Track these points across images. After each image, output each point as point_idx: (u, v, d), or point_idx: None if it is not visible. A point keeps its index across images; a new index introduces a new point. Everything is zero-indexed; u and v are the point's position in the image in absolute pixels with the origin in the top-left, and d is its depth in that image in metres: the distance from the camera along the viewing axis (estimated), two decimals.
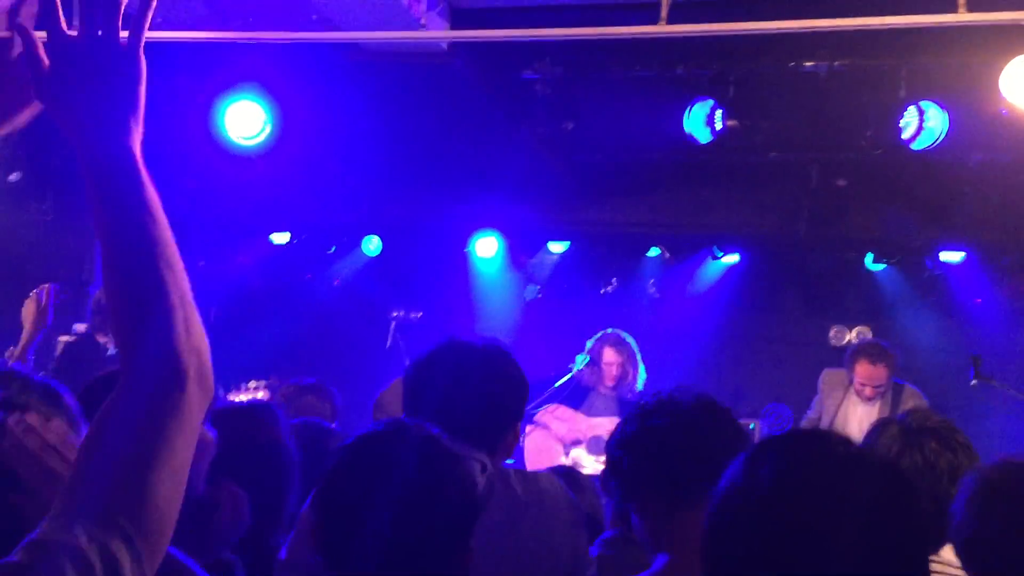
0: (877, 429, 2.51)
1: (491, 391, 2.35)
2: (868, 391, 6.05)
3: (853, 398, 6.20)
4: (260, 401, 2.73)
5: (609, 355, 6.47)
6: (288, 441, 2.66)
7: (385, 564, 1.62)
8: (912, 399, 6.02)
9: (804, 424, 6.47)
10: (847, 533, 1.17)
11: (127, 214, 1.29)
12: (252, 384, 7.23)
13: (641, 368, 6.48)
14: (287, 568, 2.24)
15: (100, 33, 1.29)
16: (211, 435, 2.28)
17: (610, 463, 2.16)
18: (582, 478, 3.87)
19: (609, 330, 6.61)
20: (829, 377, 6.47)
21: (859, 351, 6.20)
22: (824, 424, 6.14)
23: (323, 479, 1.72)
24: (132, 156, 1.30)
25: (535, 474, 2.49)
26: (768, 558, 1.19)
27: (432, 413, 2.33)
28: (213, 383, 1.30)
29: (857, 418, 6.10)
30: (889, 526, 1.19)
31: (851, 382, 6.16)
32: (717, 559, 1.26)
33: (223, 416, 2.57)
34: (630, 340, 6.54)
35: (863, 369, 6.05)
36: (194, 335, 1.25)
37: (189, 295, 1.29)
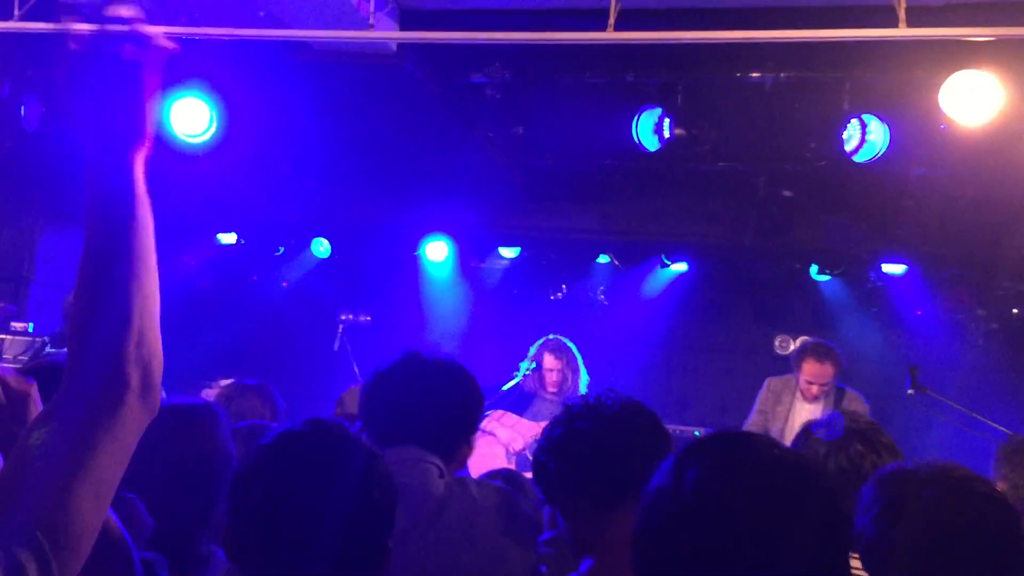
0: (805, 432, 2.54)
1: (448, 404, 2.40)
2: (814, 389, 6.13)
3: (799, 401, 6.27)
4: (201, 401, 2.69)
5: (549, 361, 6.48)
6: (226, 444, 2.61)
7: (300, 563, 1.58)
8: (854, 403, 6.11)
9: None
10: (769, 535, 1.19)
11: (109, 222, 1.28)
12: (223, 383, 7.14)
13: (583, 373, 6.50)
14: None
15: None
16: None
17: (536, 466, 2.16)
18: (523, 480, 3.86)
19: (551, 336, 6.62)
20: (774, 384, 6.52)
21: (805, 350, 6.27)
22: (775, 430, 6.21)
23: (237, 477, 1.68)
24: (129, 171, 1.30)
25: (488, 482, 2.51)
26: (694, 560, 1.20)
27: (389, 422, 2.35)
28: (159, 399, 1.28)
29: (802, 421, 6.16)
30: (808, 528, 1.21)
31: (797, 383, 6.22)
32: (646, 561, 1.27)
33: (161, 413, 2.53)
34: (571, 346, 6.56)
35: (810, 367, 6.12)
36: (144, 349, 1.24)
37: (153, 312, 1.28)
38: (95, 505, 1.14)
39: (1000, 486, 3.45)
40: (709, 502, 1.21)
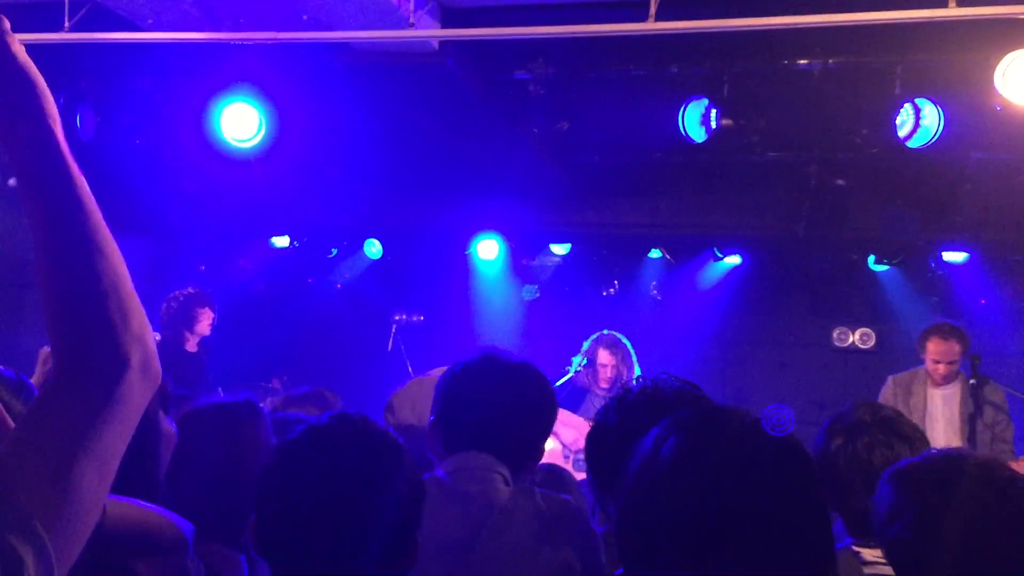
0: (829, 423, 2.49)
1: (524, 409, 2.37)
2: (941, 368, 5.99)
3: (931, 388, 6.13)
4: (243, 398, 2.71)
5: (604, 357, 6.45)
6: (268, 440, 2.64)
7: (323, 557, 1.58)
8: (993, 394, 5.98)
9: None
10: (742, 510, 1.17)
11: (54, 201, 1.26)
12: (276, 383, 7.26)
13: (636, 369, 6.45)
14: None
15: None
16: (171, 428, 2.27)
17: (590, 454, 2.12)
18: (567, 476, 3.83)
19: (604, 331, 6.59)
20: (900, 379, 6.30)
21: (929, 330, 6.12)
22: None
23: (264, 471, 1.68)
24: (56, 145, 1.28)
25: (554, 495, 2.45)
26: (670, 534, 1.19)
27: (465, 424, 2.32)
28: (159, 371, 1.27)
29: (939, 407, 6.09)
30: (783, 502, 1.19)
31: (925, 364, 6.09)
32: (627, 534, 1.26)
33: (203, 412, 2.56)
34: (625, 341, 6.51)
35: (934, 346, 6.00)
36: (133, 323, 1.22)
37: (126, 282, 1.25)
38: (98, 484, 1.13)
39: None
40: (682, 476, 1.20)
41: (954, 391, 6.07)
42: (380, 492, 1.63)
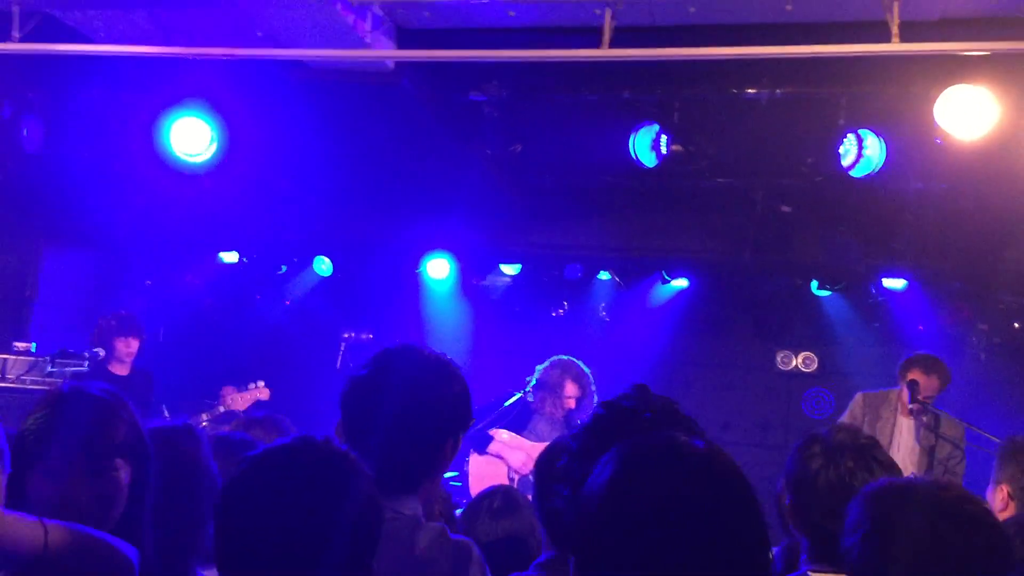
0: (802, 444, 2.52)
1: (432, 399, 2.29)
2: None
3: (902, 416, 6.13)
4: (180, 423, 2.67)
5: (571, 389, 6.45)
6: (208, 463, 2.61)
7: (282, 573, 1.59)
8: (951, 428, 5.99)
9: None
10: (676, 534, 1.21)
11: None
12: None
13: (595, 399, 6.49)
14: None
15: None
16: None
17: (565, 474, 2.09)
18: (520, 498, 3.85)
19: (565, 357, 6.57)
20: (869, 399, 6.30)
21: (913, 361, 6.11)
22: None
23: (224, 490, 1.69)
24: None
25: (455, 539, 2.34)
26: (609, 560, 1.23)
27: (371, 421, 2.23)
28: None
29: (907, 437, 6.11)
30: (718, 531, 1.22)
31: (903, 395, 6.05)
32: (580, 557, 1.30)
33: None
34: (587, 371, 6.54)
35: (916, 378, 5.97)
36: None
37: None
38: None
39: (1004, 489, 3.42)
40: (618, 500, 1.25)
41: (920, 422, 6.04)
42: (339, 514, 1.63)
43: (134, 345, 6.57)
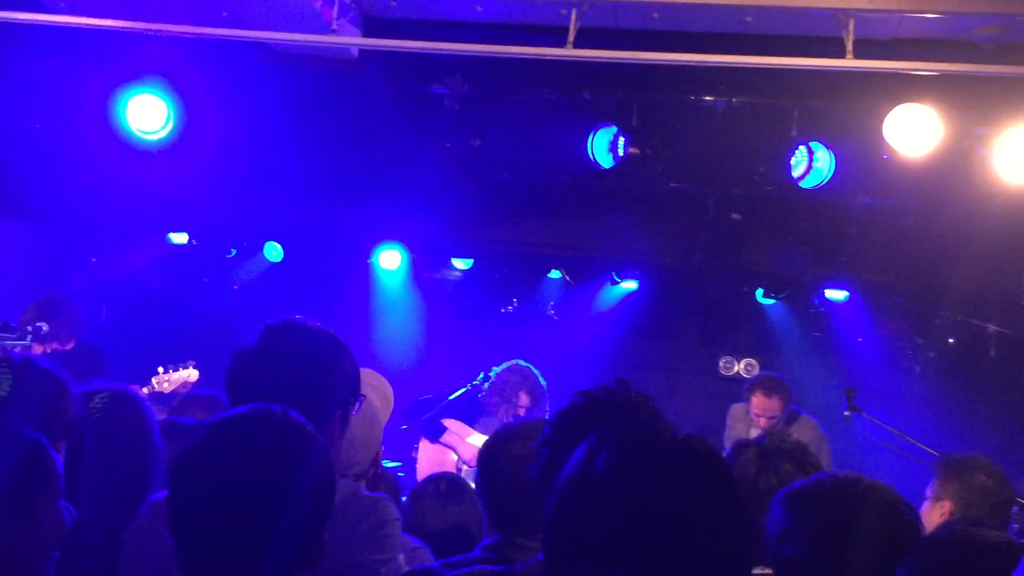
0: (735, 450, 2.60)
1: (317, 372, 2.27)
2: (763, 421, 6.31)
3: (754, 429, 6.43)
4: (125, 387, 2.67)
5: (524, 399, 6.48)
6: (156, 429, 2.61)
7: (233, 547, 1.60)
8: (803, 427, 6.28)
9: None
10: (675, 518, 1.23)
11: None
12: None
13: (547, 408, 6.54)
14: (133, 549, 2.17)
15: None
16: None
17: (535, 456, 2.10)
18: (465, 485, 3.90)
19: (524, 364, 6.57)
20: (734, 411, 6.73)
21: (756, 384, 6.45)
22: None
23: (180, 454, 1.69)
24: None
25: (370, 495, 2.33)
26: (604, 544, 1.24)
27: (256, 395, 2.10)
28: None
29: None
30: (708, 516, 1.25)
31: (748, 412, 6.42)
32: (557, 547, 1.30)
33: (89, 396, 2.51)
34: (543, 381, 6.57)
35: (759, 400, 6.32)
36: None
37: None
38: None
39: (946, 505, 3.53)
40: (618, 486, 1.25)
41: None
42: (295, 482, 1.64)
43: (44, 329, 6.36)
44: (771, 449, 2.57)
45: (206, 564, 1.64)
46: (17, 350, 5.78)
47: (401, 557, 2.41)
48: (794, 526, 2.02)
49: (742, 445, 2.63)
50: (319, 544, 1.72)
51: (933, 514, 3.53)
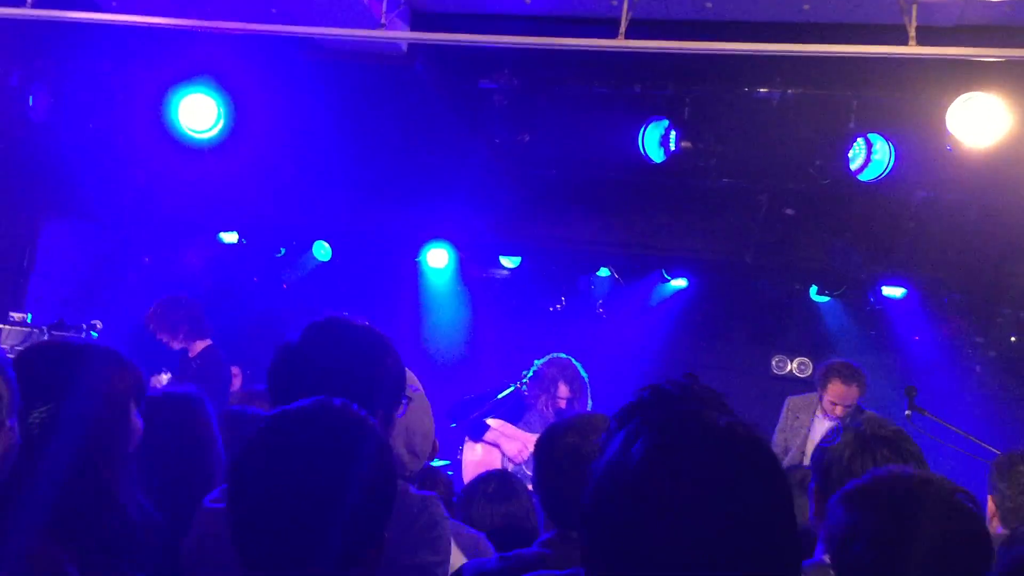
0: (833, 433, 2.51)
1: (361, 373, 2.19)
2: (839, 410, 6.07)
3: (819, 418, 6.24)
4: (192, 391, 2.66)
5: (563, 390, 6.43)
6: (218, 435, 2.61)
7: (296, 546, 1.55)
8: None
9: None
10: (711, 508, 1.17)
11: None
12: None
13: (589, 402, 6.48)
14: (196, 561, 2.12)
15: None
16: (138, 423, 2.20)
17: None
18: (517, 483, 3.85)
19: (562, 356, 6.54)
20: (794, 403, 6.48)
21: (832, 370, 6.19)
22: (793, 446, 6.20)
23: (239, 452, 1.63)
24: None
25: (418, 493, 2.26)
26: (637, 534, 1.19)
27: (298, 392, 2.05)
28: None
29: (819, 433, 6.16)
30: (750, 501, 1.19)
31: (821, 400, 6.19)
32: (594, 533, 1.26)
33: (154, 404, 2.50)
34: (583, 373, 6.52)
35: (836, 388, 6.07)
36: None
37: None
38: None
39: (994, 499, 3.45)
40: (651, 475, 1.20)
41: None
42: (355, 478, 1.58)
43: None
44: (868, 434, 2.46)
45: (268, 560, 1.59)
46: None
47: (453, 549, 2.37)
48: (858, 526, 1.94)
49: (841, 429, 2.53)
50: (379, 542, 1.66)
51: (988, 509, 3.46)
